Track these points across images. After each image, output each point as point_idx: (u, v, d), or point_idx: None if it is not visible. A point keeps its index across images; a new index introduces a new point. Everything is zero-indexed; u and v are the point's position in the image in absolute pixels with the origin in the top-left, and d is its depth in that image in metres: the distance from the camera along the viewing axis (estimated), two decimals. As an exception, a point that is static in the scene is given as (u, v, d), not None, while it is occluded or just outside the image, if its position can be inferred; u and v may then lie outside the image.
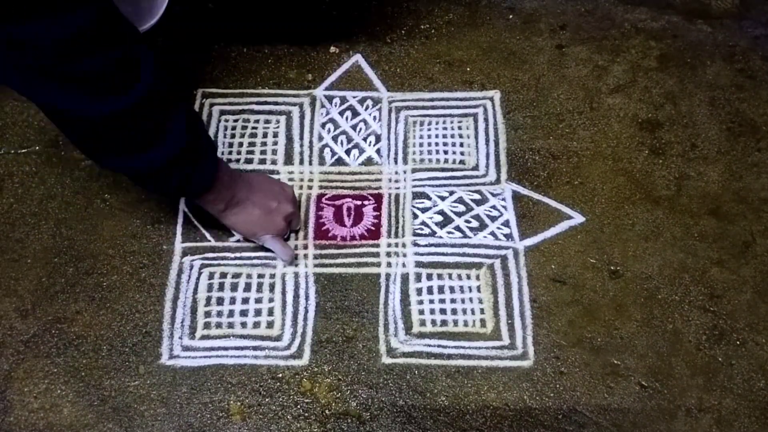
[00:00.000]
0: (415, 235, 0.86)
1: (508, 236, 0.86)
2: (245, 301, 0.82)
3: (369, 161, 0.93)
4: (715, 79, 1.00)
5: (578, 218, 0.88)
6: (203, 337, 0.79)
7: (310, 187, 0.90)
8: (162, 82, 0.63)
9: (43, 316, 0.80)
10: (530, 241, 0.86)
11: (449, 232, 0.87)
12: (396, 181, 0.91)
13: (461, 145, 0.94)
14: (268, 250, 0.84)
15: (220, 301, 0.82)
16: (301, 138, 0.94)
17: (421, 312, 0.81)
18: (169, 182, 0.69)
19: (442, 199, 0.89)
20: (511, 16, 1.07)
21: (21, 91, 0.59)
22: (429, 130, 0.95)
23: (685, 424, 0.75)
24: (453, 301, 0.82)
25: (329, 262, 0.85)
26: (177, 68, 0.99)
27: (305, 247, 0.85)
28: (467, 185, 0.91)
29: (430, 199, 0.89)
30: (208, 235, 0.86)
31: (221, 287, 0.83)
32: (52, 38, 0.53)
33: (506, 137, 0.94)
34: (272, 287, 0.83)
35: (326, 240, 0.86)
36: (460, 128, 0.95)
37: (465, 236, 0.86)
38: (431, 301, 0.82)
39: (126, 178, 0.71)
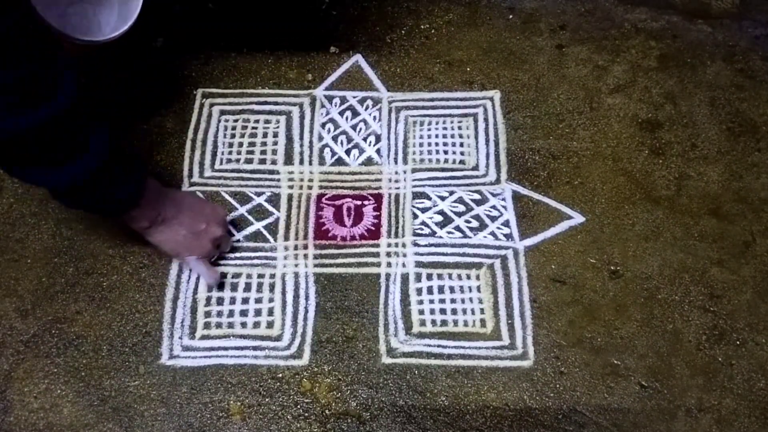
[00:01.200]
0: (415, 235, 0.86)
1: (508, 236, 0.86)
2: (245, 301, 0.82)
3: (369, 161, 0.93)
4: (715, 79, 1.00)
5: (578, 218, 0.88)
6: (203, 337, 0.80)
7: (310, 187, 0.90)
8: (82, 97, 0.61)
9: (43, 316, 0.80)
10: (530, 241, 0.86)
11: (449, 232, 0.87)
12: (396, 181, 0.91)
13: (461, 145, 0.94)
14: (268, 249, 0.84)
15: (220, 301, 0.82)
16: (301, 138, 0.94)
17: (421, 312, 0.81)
18: (91, 198, 0.68)
19: (442, 199, 0.89)
20: (511, 16, 1.07)
21: None
22: (429, 130, 0.95)
23: (685, 424, 0.75)
24: (453, 301, 0.82)
25: (329, 262, 0.85)
26: (176, 69, 0.99)
27: (305, 247, 0.85)
28: (467, 185, 0.91)
29: (430, 199, 0.89)
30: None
31: (221, 287, 0.83)
32: None
33: (506, 137, 0.94)
34: (272, 287, 0.83)
35: (326, 240, 0.86)
36: (460, 128, 0.95)
37: (465, 236, 0.86)
38: (431, 301, 0.82)
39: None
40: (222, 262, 0.84)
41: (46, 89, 0.59)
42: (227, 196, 0.89)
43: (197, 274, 0.82)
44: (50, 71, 0.59)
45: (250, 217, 0.87)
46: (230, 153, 0.92)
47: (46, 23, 0.67)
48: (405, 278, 0.83)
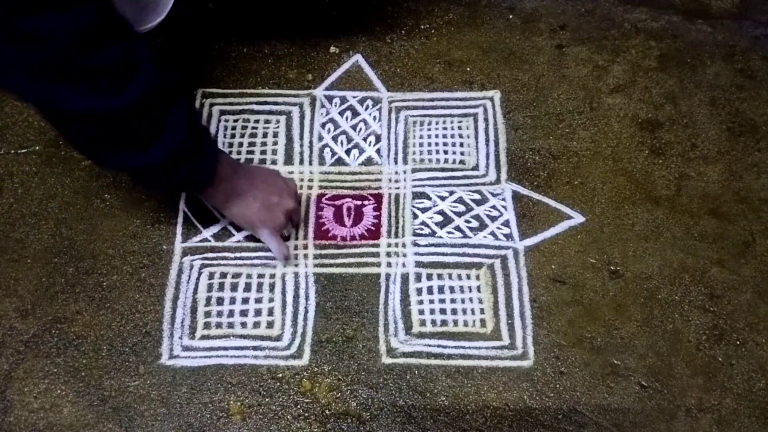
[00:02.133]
0: (415, 235, 0.86)
1: (508, 236, 0.86)
2: (245, 301, 0.82)
3: (369, 161, 0.93)
4: (715, 79, 1.00)
5: (578, 218, 0.88)
6: (203, 337, 0.79)
7: (310, 187, 0.90)
8: (161, 77, 0.63)
9: (43, 316, 0.80)
10: (530, 241, 0.86)
11: (449, 232, 0.87)
12: (396, 181, 0.91)
13: (461, 145, 0.94)
14: (268, 249, 0.84)
15: (220, 301, 0.82)
16: (301, 138, 0.94)
17: (421, 312, 0.81)
18: (170, 178, 0.70)
19: (442, 199, 0.89)
20: (511, 16, 1.07)
21: (21, 92, 0.59)
22: (429, 130, 0.95)
23: (685, 424, 0.75)
24: (453, 301, 0.82)
25: (329, 262, 0.85)
26: (177, 67, 0.99)
27: (305, 247, 0.85)
28: (467, 185, 0.91)
29: (430, 199, 0.89)
30: (208, 235, 0.86)
31: (221, 287, 0.83)
32: (58, 34, 0.53)
33: (506, 137, 0.94)
34: (272, 287, 0.83)
35: (326, 240, 0.86)
36: (460, 128, 0.95)
37: (465, 236, 0.86)
38: (431, 301, 0.82)
39: (126, 177, 0.71)
40: (222, 262, 0.84)
41: (130, 72, 0.60)
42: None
43: (269, 247, 0.83)
44: (133, 51, 0.60)
45: (250, 217, 0.87)
46: (230, 153, 0.92)
47: None
48: (405, 278, 0.83)
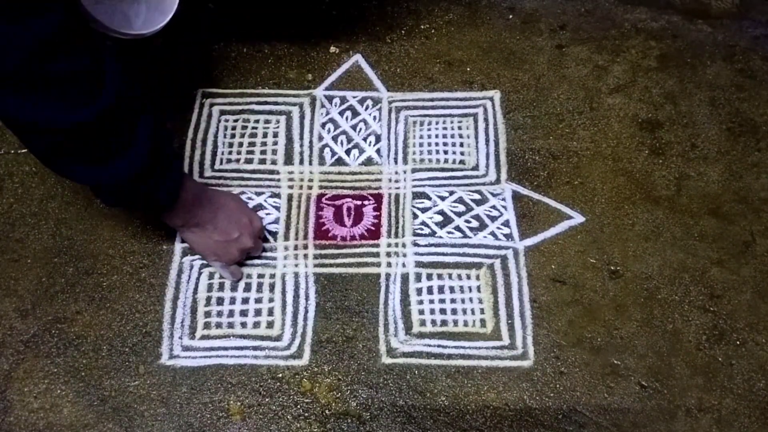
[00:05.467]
0: (415, 235, 0.86)
1: (508, 236, 0.86)
2: (245, 301, 0.82)
3: (369, 161, 0.93)
4: (715, 79, 1.00)
5: (578, 218, 0.88)
6: (203, 337, 0.79)
7: (310, 187, 0.90)
8: (128, 91, 0.61)
9: (43, 316, 0.80)
10: (530, 241, 0.86)
11: (449, 232, 0.87)
12: (396, 181, 0.91)
13: (461, 145, 0.94)
14: (268, 250, 0.84)
15: (220, 301, 0.82)
16: (301, 138, 0.94)
17: (421, 312, 0.81)
18: (130, 197, 0.67)
19: (442, 199, 0.89)
20: (511, 16, 1.07)
21: None
22: (429, 130, 0.95)
23: (685, 424, 0.75)
24: (453, 301, 0.82)
25: (329, 262, 0.85)
26: (176, 68, 0.99)
27: (305, 247, 0.85)
28: (467, 185, 0.91)
29: (430, 199, 0.89)
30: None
31: (221, 287, 0.83)
32: (19, 43, 0.51)
33: (506, 137, 0.94)
34: (272, 287, 0.83)
35: (326, 240, 0.86)
36: (460, 128, 0.95)
37: (465, 236, 0.86)
38: (431, 301, 0.82)
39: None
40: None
41: (97, 81, 0.58)
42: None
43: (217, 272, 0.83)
44: (99, 63, 0.58)
45: (250, 217, 0.87)
46: (230, 153, 0.92)
47: (88, 17, 0.66)
48: (405, 278, 0.83)
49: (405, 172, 0.92)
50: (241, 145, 0.93)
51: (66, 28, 0.54)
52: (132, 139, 0.63)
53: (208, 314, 0.81)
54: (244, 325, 0.80)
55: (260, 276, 0.83)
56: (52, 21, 0.52)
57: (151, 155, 0.65)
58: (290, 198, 0.89)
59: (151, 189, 0.68)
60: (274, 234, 0.86)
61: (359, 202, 0.89)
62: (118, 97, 0.59)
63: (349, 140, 0.94)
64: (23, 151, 0.92)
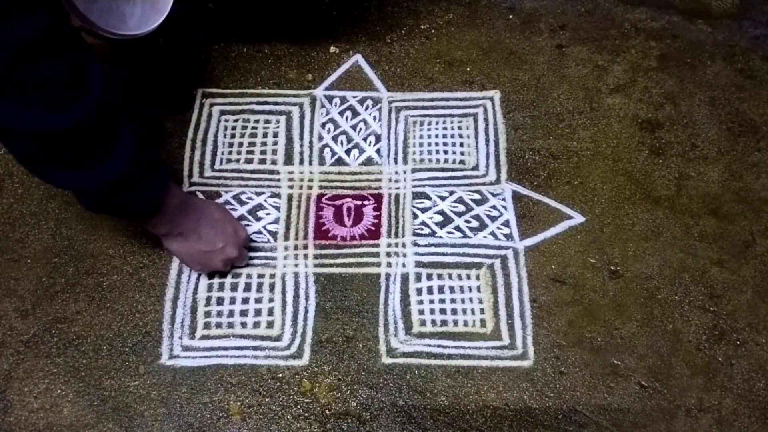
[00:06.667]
0: (415, 235, 0.86)
1: (508, 236, 0.86)
2: (245, 301, 0.82)
3: (369, 161, 0.93)
4: (715, 79, 1.00)
5: (578, 218, 0.88)
6: (203, 337, 0.79)
7: (310, 187, 0.90)
8: (111, 96, 0.60)
9: (43, 316, 0.80)
10: (530, 241, 0.86)
11: (449, 232, 0.87)
12: (396, 181, 0.91)
13: (461, 145, 0.94)
14: (268, 250, 0.84)
15: (220, 301, 0.82)
16: (301, 138, 0.94)
17: (421, 312, 0.81)
18: (113, 203, 0.67)
19: (442, 199, 0.89)
20: (511, 16, 1.07)
21: None
22: (429, 130, 0.95)
23: (685, 424, 0.75)
24: (453, 301, 0.82)
25: (329, 262, 0.85)
26: (176, 68, 0.99)
27: (305, 247, 0.85)
28: (467, 185, 0.91)
29: (430, 199, 0.89)
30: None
31: (221, 287, 0.83)
32: (1, 45, 0.50)
33: (506, 137, 0.94)
34: (272, 287, 0.83)
35: (326, 240, 0.86)
36: (460, 128, 0.95)
37: (465, 236, 0.86)
38: (431, 301, 0.82)
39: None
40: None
41: (80, 85, 0.57)
42: (227, 196, 0.89)
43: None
44: (82, 67, 0.58)
45: (250, 218, 0.87)
46: (230, 153, 0.92)
47: (81, 17, 0.66)
48: (405, 278, 0.83)
49: (405, 172, 0.92)
50: (241, 145, 0.93)
51: (51, 32, 0.53)
52: (114, 145, 0.63)
53: (208, 314, 0.81)
54: (244, 325, 0.80)
55: (260, 276, 0.83)
56: (37, 24, 0.52)
57: (133, 161, 0.64)
58: (290, 198, 0.89)
59: (134, 195, 0.67)
60: (274, 234, 0.86)
61: (359, 202, 0.89)
62: (100, 103, 0.59)
63: (349, 140, 0.94)
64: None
